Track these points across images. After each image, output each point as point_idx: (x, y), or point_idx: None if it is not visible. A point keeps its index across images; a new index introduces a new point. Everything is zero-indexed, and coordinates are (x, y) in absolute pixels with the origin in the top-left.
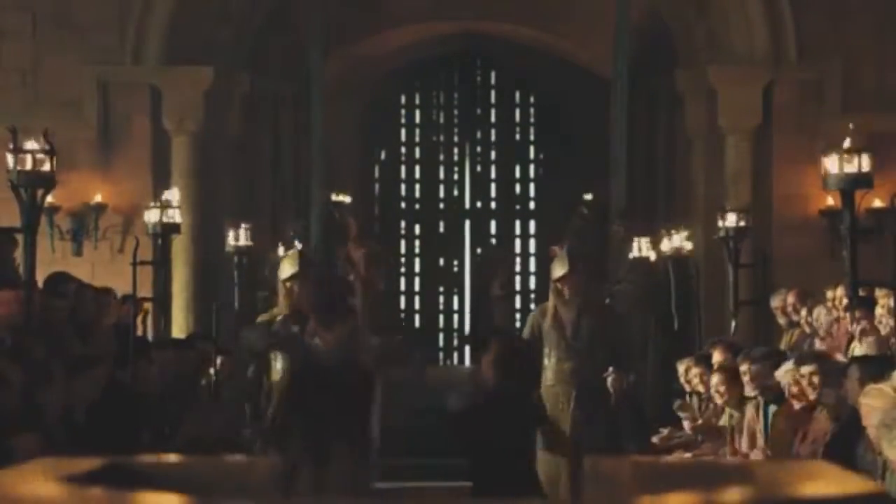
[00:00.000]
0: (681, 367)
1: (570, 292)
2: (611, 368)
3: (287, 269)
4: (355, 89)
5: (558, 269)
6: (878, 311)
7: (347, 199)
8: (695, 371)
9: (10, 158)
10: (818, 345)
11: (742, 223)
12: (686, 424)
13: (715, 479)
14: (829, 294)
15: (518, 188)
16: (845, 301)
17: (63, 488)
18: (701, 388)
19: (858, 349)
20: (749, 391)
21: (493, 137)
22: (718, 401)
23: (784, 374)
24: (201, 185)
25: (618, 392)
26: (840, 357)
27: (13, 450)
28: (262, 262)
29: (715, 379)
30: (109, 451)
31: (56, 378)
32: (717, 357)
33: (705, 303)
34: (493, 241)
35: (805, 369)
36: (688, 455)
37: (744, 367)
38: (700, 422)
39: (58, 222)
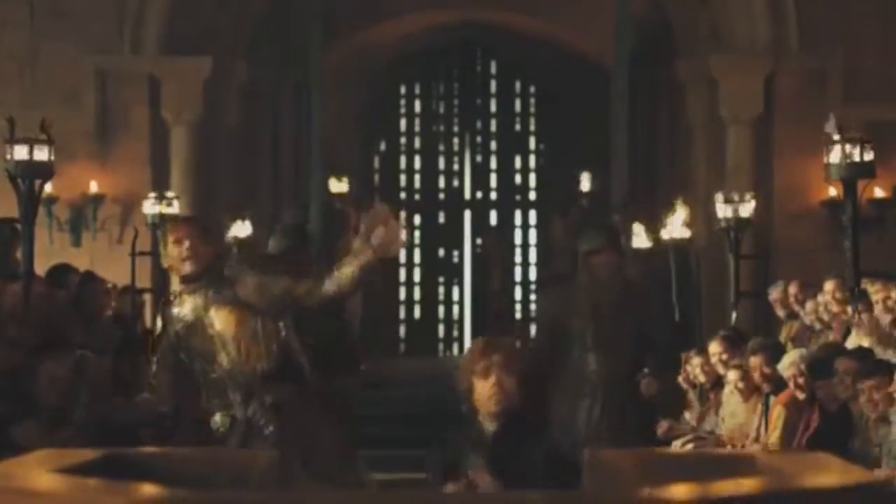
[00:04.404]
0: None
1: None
2: (646, 369)
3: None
4: (355, 79)
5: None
6: (874, 300)
7: (344, 186)
8: (696, 361)
9: (7, 148)
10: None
11: (743, 214)
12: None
13: (718, 470)
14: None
15: (518, 178)
16: (838, 294)
17: (62, 479)
18: (703, 379)
19: (857, 341)
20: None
21: (493, 127)
22: (721, 370)
23: (787, 365)
24: (200, 175)
25: (652, 397)
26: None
27: (13, 440)
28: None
29: (714, 348)
30: (108, 444)
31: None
32: (713, 349)
33: (706, 294)
34: (493, 231)
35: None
36: (690, 446)
37: (753, 362)
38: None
39: (56, 213)
